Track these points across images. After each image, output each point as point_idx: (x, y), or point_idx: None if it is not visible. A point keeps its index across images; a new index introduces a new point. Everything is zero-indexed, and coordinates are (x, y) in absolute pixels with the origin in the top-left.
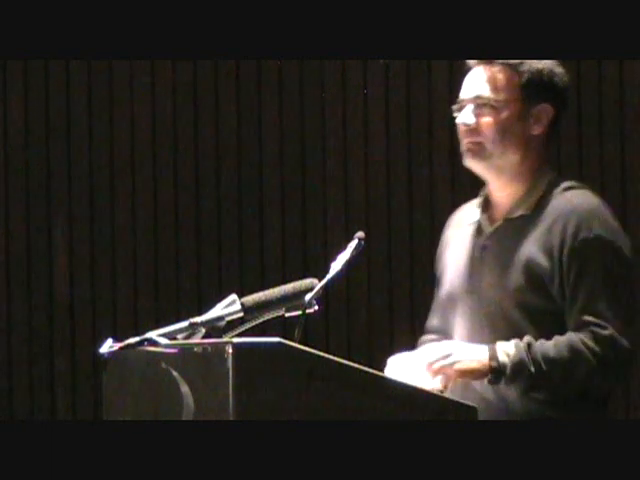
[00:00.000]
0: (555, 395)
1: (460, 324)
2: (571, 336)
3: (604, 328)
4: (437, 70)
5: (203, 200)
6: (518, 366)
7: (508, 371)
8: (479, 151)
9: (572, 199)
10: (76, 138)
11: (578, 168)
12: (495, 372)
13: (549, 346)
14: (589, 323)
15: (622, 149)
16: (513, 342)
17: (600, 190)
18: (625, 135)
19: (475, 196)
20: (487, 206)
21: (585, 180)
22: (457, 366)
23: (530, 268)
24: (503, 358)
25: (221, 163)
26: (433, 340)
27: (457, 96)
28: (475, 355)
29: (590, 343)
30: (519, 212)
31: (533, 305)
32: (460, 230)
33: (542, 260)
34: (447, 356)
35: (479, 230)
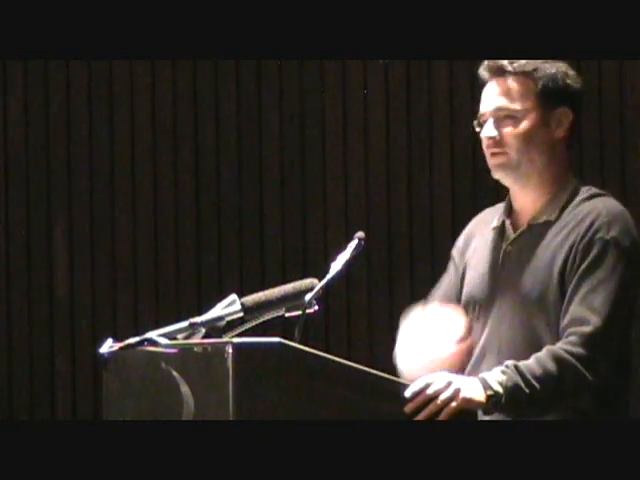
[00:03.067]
0: (547, 414)
1: (480, 328)
2: (550, 348)
3: (587, 324)
4: (437, 70)
5: (203, 200)
6: (514, 391)
7: (504, 398)
8: (507, 163)
9: (597, 204)
10: (76, 138)
11: (578, 168)
12: (491, 401)
13: (532, 364)
14: (574, 321)
15: (622, 150)
16: (499, 369)
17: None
18: (625, 136)
19: (474, 196)
20: (510, 211)
21: (585, 180)
22: (462, 394)
23: (553, 274)
24: (497, 387)
25: (221, 163)
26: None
27: (457, 96)
28: (472, 384)
29: (571, 348)
30: (543, 218)
31: (555, 313)
32: (483, 233)
33: (563, 263)
34: (448, 384)
35: (502, 235)
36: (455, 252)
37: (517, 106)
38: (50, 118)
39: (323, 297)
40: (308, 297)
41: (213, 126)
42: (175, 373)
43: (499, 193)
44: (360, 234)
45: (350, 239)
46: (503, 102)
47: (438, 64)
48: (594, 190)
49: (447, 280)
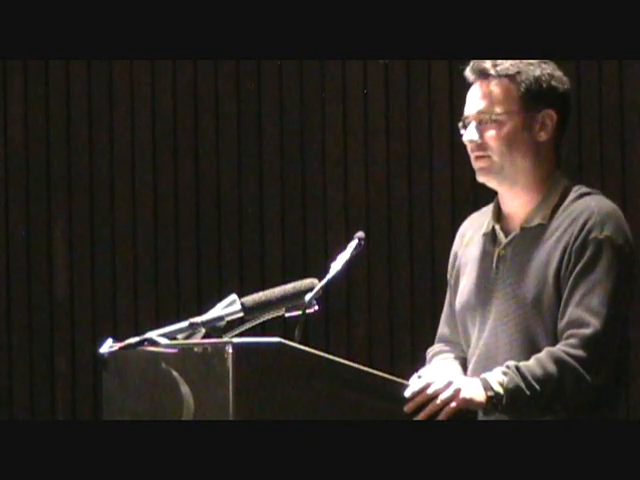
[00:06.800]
0: (546, 415)
1: (476, 335)
2: (550, 350)
3: (587, 326)
4: (437, 70)
5: (203, 200)
6: (514, 392)
7: (505, 399)
8: (489, 167)
9: (590, 203)
10: (76, 138)
11: (578, 168)
12: (491, 402)
13: (533, 365)
14: (572, 323)
15: (622, 150)
16: (500, 370)
17: (600, 190)
18: (625, 136)
19: (474, 196)
20: (500, 215)
21: (585, 180)
22: (462, 394)
23: (548, 276)
24: (497, 388)
25: (221, 163)
26: (444, 350)
27: (457, 96)
28: (472, 384)
29: (571, 350)
30: (536, 221)
31: (551, 316)
32: (473, 239)
33: (558, 264)
34: (449, 384)
35: (494, 240)
36: (449, 275)
37: (499, 109)
38: (50, 118)
39: (323, 297)
40: (308, 297)
41: (213, 126)
42: (175, 373)
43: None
44: (360, 234)
45: (350, 239)
46: (486, 105)
47: (438, 64)
48: (584, 189)
49: (448, 307)
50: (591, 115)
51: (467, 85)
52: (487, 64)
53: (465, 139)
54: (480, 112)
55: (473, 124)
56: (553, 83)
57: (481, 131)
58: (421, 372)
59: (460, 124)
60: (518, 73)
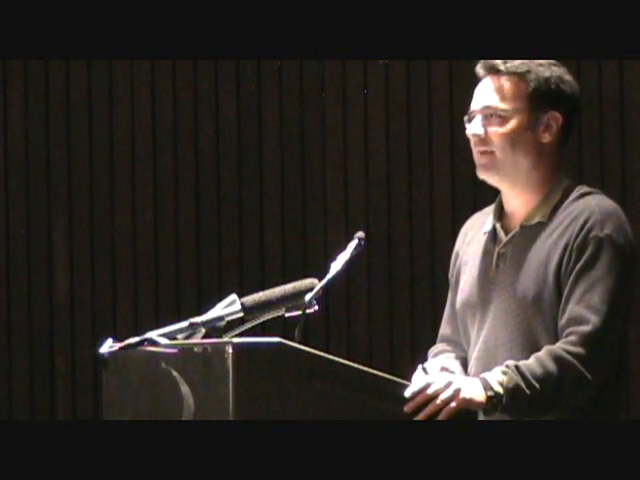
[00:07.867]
0: (547, 414)
1: (475, 334)
2: (550, 348)
3: (587, 324)
4: (437, 70)
5: (203, 200)
6: (514, 391)
7: (505, 399)
8: (491, 163)
9: (590, 202)
10: (76, 138)
11: (578, 168)
12: (491, 402)
13: (532, 364)
14: (572, 321)
15: (622, 149)
16: (499, 369)
17: (600, 190)
18: (625, 135)
19: (474, 196)
20: (501, 214)
21: (585, 180)
22: (462, 394)
23: (548, 275)
24: (497, 387)
25: (221, 163)
26: (445, 350)
27: (457, 96)
28: (472, 384)
29: (571, 348)
30: (536, 219)
31: (551, 314)
32: (474, 238)
33: (558, 262)
34: (448, 384)
35: (494, 238)
36: (450, 274)
37: (505, 106)
38: (50, 118)
39: (323, 297)
40: (308, 297)
41: (213, 126)
42: (175, 373)
43: (499, 193)
44: (360, 234)
45: (350, 239)
46: (492, 101)
47: (438, 64)
48: (585, 188)
49: (450, 307)
50: (591, 115)
51: (467, 85)
52: (498, 61)
53: (469, 132)
54: (486, 107)
55: (478, 118)
56: (562, 86)
57: (485, 125)
58: (426, 365)
59: (465, 118)
60: (528, 72)
